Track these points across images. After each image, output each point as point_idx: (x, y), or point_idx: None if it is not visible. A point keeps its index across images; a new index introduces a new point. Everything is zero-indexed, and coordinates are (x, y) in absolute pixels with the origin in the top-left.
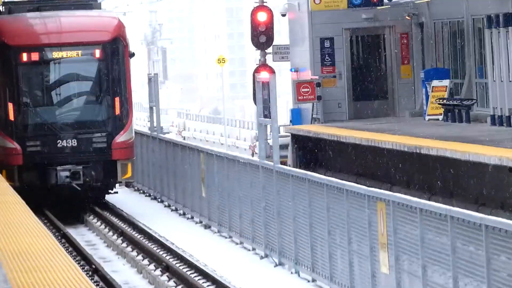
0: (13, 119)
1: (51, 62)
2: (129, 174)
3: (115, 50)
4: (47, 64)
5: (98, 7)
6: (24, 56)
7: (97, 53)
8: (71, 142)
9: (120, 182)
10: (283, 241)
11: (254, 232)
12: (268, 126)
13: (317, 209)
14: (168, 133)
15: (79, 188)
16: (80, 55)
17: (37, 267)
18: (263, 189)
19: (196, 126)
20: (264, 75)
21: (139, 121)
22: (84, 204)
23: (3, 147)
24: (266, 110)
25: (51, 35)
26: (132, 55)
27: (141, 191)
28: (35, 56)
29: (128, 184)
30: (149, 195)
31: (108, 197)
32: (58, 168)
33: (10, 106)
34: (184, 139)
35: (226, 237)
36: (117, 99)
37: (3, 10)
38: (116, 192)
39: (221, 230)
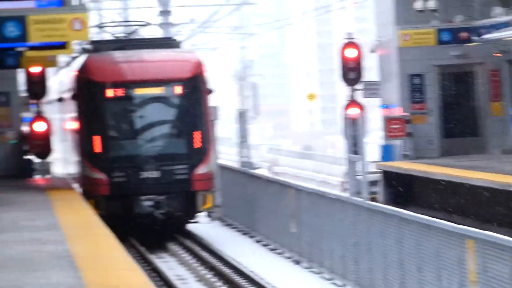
0: (100, 151)
1: (135, 97)
2: (209, 204)
3: (194, 86)
4: (131, 100)
5: (178, 46)
6: (110, 92)
7: (178, 89)
8: (154, 173)
9: (200, 212)
10: (373, 278)
11: (345, 268)
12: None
13: (407, 245)
14: (259, 168)
15: (161, 217)
16: (162, 91)
17: None
18: (353, 225)
19: (288, 162)
20: (353, 112)
21: (230, 156)
22: (166, 232)
23: (91, 177)
24: (355, 146)
25: (135, 72)
26: (211, 91)
27: (232, 226)
28: (120, 92)
29: (210, 214)
30: (240, 230)
31: (199, 231)
32: (142, 198)
33: (97, 139)
34: (276, 174)
35: (316, 273)
36: (197, 133)
37: (90, 48)
38: (197, 222)
39: (312, 266)
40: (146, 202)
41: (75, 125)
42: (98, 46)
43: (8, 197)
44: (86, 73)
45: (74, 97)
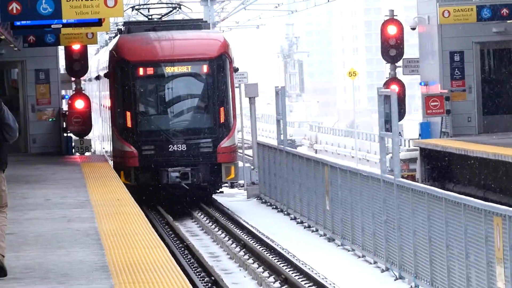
0: (130, 126)
1: (165, 75)
2: (232, 175)
3: (220, 65)
4: (161, 78)
5: (207, 27)
6: (141, 71)
7: (205, 68)
8: (181, 146)
9: (224, 183)
10: (403, 255)
11: (376, 245)
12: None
13: (436, 222)
14: (300, 146)
15: (187, 187)
16: (189, 70)
17: (145, 280)
18: (384, 202)
19: (329, 139)
20: (393, 89)
21: (270, 133)
22: (192, 201)
23: (122, 150)
24: (388, 123)
25: (164, 52)
26: (236, 70)
27: (268, 204)
28: (150, 71)
29: (232, 185)
30: (276, 208)
31: (234, 209)
32: (170, 169)
33: (128, 114)
34: (316, 152)
35: (348, 250)
36: (222, 109)
37: (124, 29)
38: (222, 192)
39: (344, 243)
40: (173, 173)
41: (109, 102)
42: (131, 27)
43: (44, 174)
44: (118, 52)
45: (107, 75)
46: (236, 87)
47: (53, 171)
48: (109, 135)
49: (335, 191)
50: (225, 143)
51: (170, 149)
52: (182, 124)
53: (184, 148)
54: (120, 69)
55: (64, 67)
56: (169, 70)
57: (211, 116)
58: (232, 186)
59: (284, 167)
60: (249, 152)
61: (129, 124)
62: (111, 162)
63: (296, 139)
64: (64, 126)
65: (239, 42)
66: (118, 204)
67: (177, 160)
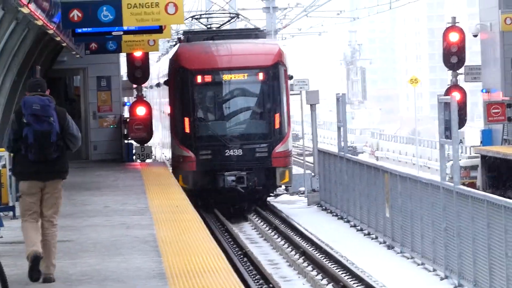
0: (189, 132)
1: (222, 83)
2: (286, 179)
3: (275, 73)
4: (218, 85)
5: (263, 36)
6: (199, 78)
7: (261, 75)
8: (237, 151)
9: (279, 186)
10: (462, 263)
11: (435, 253)
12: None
13: (496, 230)
14: (361, 153)
15: (243, 191)
16: (246, 77)
17: (202, 287)
18: (444, 209)
19: (391, 147)
20: (455, 96)
21: (332, 140)
22: (249, 205)
23: (180, 155)
24: (448, 131)
25: (222, 60)
26: (291, 77)
27: (329, 211)
28: (208, 78)
29: (287, 189)
30: (336, 215)
31: (294, 216)
32: (226, 173)
33: (187, 120)
34: (377, 159)
35: (408, 258)
36: (277, 115)
37: (183, 38)
38: (278, 195)
39: (404, 251)
40: (230, 177)
41: (169, 108)
42: (190, 36)
43: (104, 181)
44: (178, 60)
45: (167, 82)
46: (297, 94)
47: (113, 178)
48: (169, 141)
49: (395, 198)
50: (279, 148)
51: (226, 154)
52: (238, 130)
53: (240, 153)
54: (180, 76)
55: (126, 74)
56: (226, 78)
57: (266, 122)
58: (286, 189)
59: (345, 174)
60: (310, 159)
61: (187, 129)
62: (170, 167)
63: (357, 146)
64: (125, 133)
65: (301, 49)
66: (177, 211)
67: (233, 164)
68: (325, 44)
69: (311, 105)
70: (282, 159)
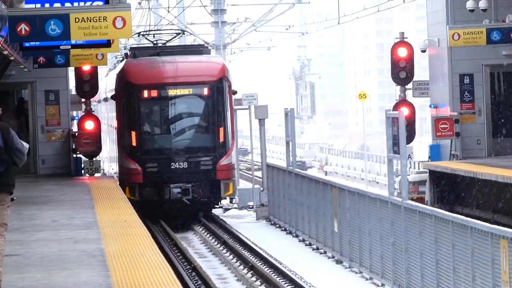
0: (135, 145)
1: (167, 98)
2: (230, 191)
3: (220, 88)
4: (164, 100)
5: (208, 52)
6: (146, 93)
7: (205, 90)
8: (183, 164)
9: (223, 198)
10: (410, 277)
11: (383, 268)
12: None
13: (443, 245)
14: (310, 167)
15: (188, 202)
16: (191, 92)
17: None
18: (392, 224)
19: (339, 161)
20: (404, 111)
21: (281, 155)
22: (193, 216)
23: (127, 168)
24: (396, 146)
25: (167, 75)
26: (235, 92)
27: (277, 225)
28: (154, 93)
29: (231, 200)
30: (285, 229)
31: (242, 230)
32: (172, 185)
33: (133, 134)
34: (326, 174)
35: (356, 272)
36: (221, 129)
37: (130, 54)
38: (221, 207)
39: (352, 265)
40: (175, 189)
41: (116, 122)
42: (137, 52)
43: (52, 195)
44: (125, 75)
45: (114, 97)
46: (246, 108)
47: (61, 192)
48: (116, 154)
49: (343, 213)
50: (224, 161)
51: (172, 167)
52: (184, 143)
53: (185, 165)
54: (126, 91)
55: (75, 88)
56: (171, 92)
57: (211, 135)
58: (231, 201)
59: (293, 189)
60: (259, 173)
61: (134, 143)
62: (116, 178)
63: (306, 160)
64: (74, 147)
65: (250, 64)
66: (125, 226)
67: (178, 176)
68: (274, 58)
69: (259, 119)
70: (226, 172)
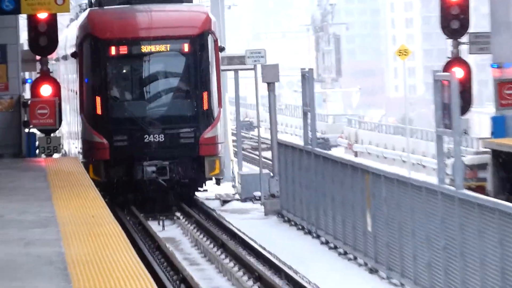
0: (100, 113)
1: (140, 55)
2: (217, 171)
3: (203, 44)
4: (136, 58)
5: (189, 0)
6: (113, 50)
7: (186, 47)
8: (159, 137)
9: (208, 179)
10: None
11: (432, 279)
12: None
13: (511, 248)
14: (335, 146)
15: (165, 184)
16: (168, 49)
17: None
18: (443, 221)
19: (374, 138)
20: (457, 72)
21: (297, 129)
22: (172, 200)
23: (90, 141)
24: (447, 118)
25: (140, 28)
26: (222, 49)
27: (292, 223)
28: (124, 50)
29: (218, 182)
30: (302, 228)
31: (247, 229)
32: (145, 163)
33: (98, 100)
34: (356, 154)
35: (397, 285)
36: (205, 94)
37: (94, 2)
38: (206, 190)
39: (391, 276)
40: (149, 168)
41: (77, 85)
42: (103, 1)
43: None
44: (88, 28)
45: (75, 54)
46: (251, 69)
47: (9, 179)
48: (78, 125)
49: (379, 207)
50: (208, 133)
51: (145, 140)
52: (160, 111)
53: (161, 138)
54: (90, 47)
55: (27, 42)
56: (144, 49)
57: (193, 102)
58: (217, 183)
59: (313, 174)
60: (268, 154)
61: (99, 111)
62: (79, 156)
63: (330, 137)
64: (26, 119)
65: (257, 10)
66: (92, 222)
67: (153, 152)
68: (288, 3)
69: (268, 83)
70: (211, 147)
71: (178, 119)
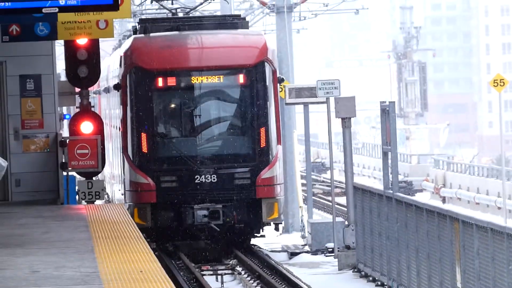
0: (146, 151)
1: (189, 88)
2: (275, 215)
3: (260, 74)
4: (185, 90)
5: (245, 26)
6: (160, 81)
7: (241, 78)
8: (211, 177)
9: (267, 224)
10: None
11: None
12: None
13: None
14: (420, 191)
15: (218, 229)
16: (222, 80)
17: None
18: None
19: (464, 182)
20: None
21: (373, 171)
22: (225, 247)
23: (135, 182)
24: None
25: (190, 58)
26: (281, 80)
27: (370, 278)
28: (172, 81)
29: (277, 227)
30: (382, 285)
31: (317, 286)
32: (196, 206)
33: (143, 136)
34: (444, 200)
35: None
36: (262, 130)
37: (139, 28)
38: (263, 236)
39: None
40: (201, 212)
41: (120, 121)
42: (149, 26)
43: (31, 233)
44: (132, 58)
45: (117, 86)
46: (323, 102)
47: (44, 229)
48: (121, 165)
49: (471, 260)
50: (266, 173)
51: (196, 181)
52: (212, 150)
53: (214, 179)
54: (134, 78)
55: (64, 72)
56: (195, 80)
57: (249, 139)
58: (276, 229)
59: (394, 223)
60: (342, 200)
61: (144, 148)
62: (122, 198)
63: (414, 180)
64: (64, 160)
65: (328, 34)
66: (141, 279)
67: (205, 194)
68: (365, 26)
69: (343, 119)
70: (269, 188)
71: (232, 158)
